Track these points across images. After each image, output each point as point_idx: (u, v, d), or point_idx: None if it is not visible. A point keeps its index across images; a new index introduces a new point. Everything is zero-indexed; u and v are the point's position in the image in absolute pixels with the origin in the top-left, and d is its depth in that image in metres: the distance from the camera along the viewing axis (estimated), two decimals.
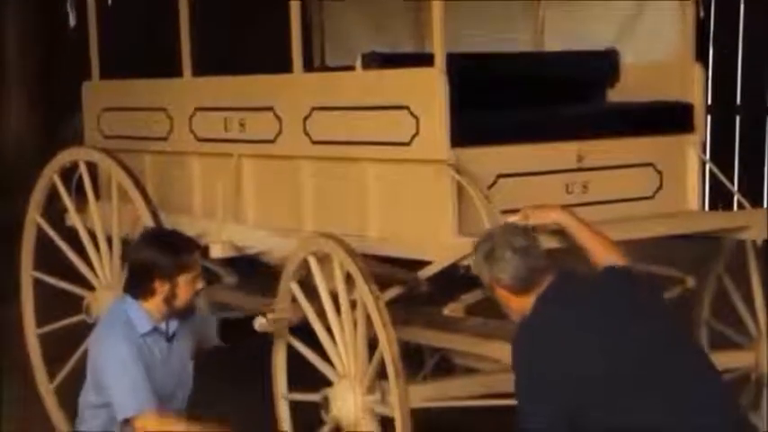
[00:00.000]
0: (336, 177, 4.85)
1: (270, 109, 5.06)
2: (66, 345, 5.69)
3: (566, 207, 4.37)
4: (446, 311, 4.94)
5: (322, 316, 4.65)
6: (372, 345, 4.37)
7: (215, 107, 5.35)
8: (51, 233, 5.79)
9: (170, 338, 4.59)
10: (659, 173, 4.93)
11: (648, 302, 3.92)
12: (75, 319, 5.67)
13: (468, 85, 4.41)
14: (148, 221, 5.26)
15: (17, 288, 6.07)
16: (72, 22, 10.16)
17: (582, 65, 5.26)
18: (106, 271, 5.53)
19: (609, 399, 3.66)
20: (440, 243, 4.44)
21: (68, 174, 5.77)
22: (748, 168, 9.87)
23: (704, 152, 5.12)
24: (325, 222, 4.88)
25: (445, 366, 5.16)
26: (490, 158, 4.51)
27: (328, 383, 4.60)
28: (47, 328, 5.99)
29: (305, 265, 4.70)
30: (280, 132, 5.04)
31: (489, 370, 4.59)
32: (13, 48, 9.91)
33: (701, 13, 8.01)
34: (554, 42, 5.61)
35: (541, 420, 3.68)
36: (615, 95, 5.27)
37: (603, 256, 4.09)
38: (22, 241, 5.98)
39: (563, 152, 4.68)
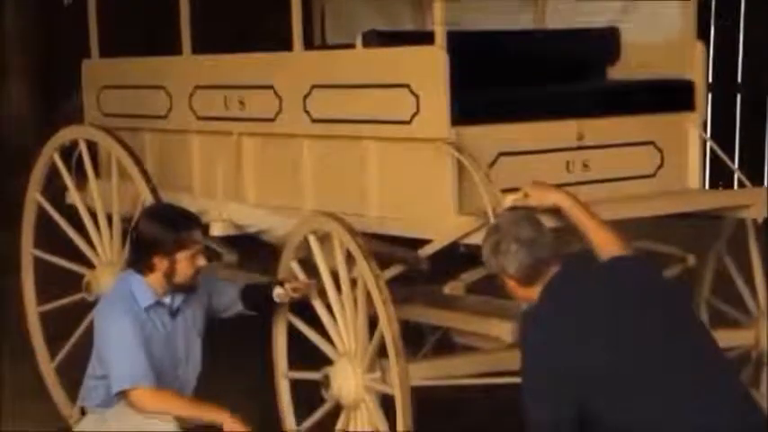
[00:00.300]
0: (336, 156, 4.85)
1: (270, 87, 5.04)
2: (67, 323, 5.70)
3: (566, 190, 4.35)
4: (446, 290, 4.95)
5: (322, 294, 4.66)
6: (373, 323, 4.37)
7: (215, 85, 5.34)
8: (51, 211, 5.79)
9: (174, 313, 4.61)
10: (660, 151, 4.92)
11: (656, 295, 3.87)
12: (76, 297, 5.67)
13: (469, 63, 4.39)
14: (148, 200, 5.26)
15: (18, 266, 6.08)
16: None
17: (583, 43, 5.24)
18: (106, 249, 5.54)
19: (609, 396, 3.62)
20: (440, 221, 4.44)
21: (68, 152, 5.77)
22: (749, 147, 9.86)
23: (705, 130, 5.11)
24: (325, 201, 4.87)
25: (445, 345, 5.17)
26: (491, 137, 4.50)
27: (329, 362, 4.60)
28: (48, 306, 6.00)
29: (305, 243, 4.71)
30: (280, 111, 5.03)
31: (489, 348, 4.60)
32: (12, 26, 9.88)
33: None
34: (555, 20, 5.59)
35: (547, 409, 3.67)
36: (616, 73, 5.25)
37: (604, 243, 4.05)
38: (23, 220, 5.99)
39: (563, 130, 4.67)
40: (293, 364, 4.94)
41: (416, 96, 4.44)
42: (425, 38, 4.47)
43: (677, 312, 3.86)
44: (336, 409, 4.62)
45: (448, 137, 4.38)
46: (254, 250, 5.39)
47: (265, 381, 4.97)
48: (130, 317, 4.47)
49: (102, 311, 4.62)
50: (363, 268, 4.35)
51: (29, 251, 6.03)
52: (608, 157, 4.76)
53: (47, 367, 5.99)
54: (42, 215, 5.89)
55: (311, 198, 4.97)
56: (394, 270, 4.56)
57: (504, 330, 4.40)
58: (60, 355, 5.85)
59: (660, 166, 4.92)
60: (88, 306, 5.44)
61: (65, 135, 5.78)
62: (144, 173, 5.37)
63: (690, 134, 4.99)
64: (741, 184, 5.03)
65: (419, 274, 4.65)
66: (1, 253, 7.08)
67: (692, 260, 5.17)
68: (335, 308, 4.59)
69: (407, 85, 4.46)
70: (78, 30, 6.05)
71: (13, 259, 6.15)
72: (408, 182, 4.57)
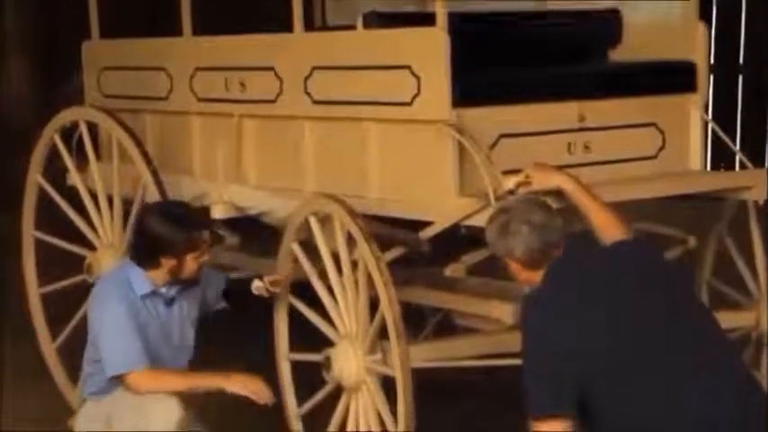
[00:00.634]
0: (337, 137, 4.84)
1: (270, 69, 5.03)
2: (68, 305, 5.71)
3: (568, 171, 4.34)
4: (447, 272, 4.95)
5: (323, 276, 4.66)
6: (374, 305, 4.37)
7: (215, 67, 5.33)
8: (52, 193, 5.79)
9: (169, 302, 4.59)
10: (661, 132, 4.92)
11: (657, 278, 3.85)
12: (77, 279, 5.68)
13: (470, 44, 4.38)
14: (149, 181, 5.26)
15: (19, 248, 6.08)
16: None
17: (584, 24, 5.23)
18: (107, 231, 5.53)
19: (610, 379, 3.61)
20: (441, 203, 4.43)
21: (69, 134, 5.76)
22: (751, 128, 9.86)
23: (707, 112, 5.11)
24: (326, 182, 4.87)
25: (446, 327, 5.17)
26: (492, 118, 4.49)
27: (330, 344, 4.61)
28: (49, 288, 6.00)
29: (306, 225, 4.70)
30: (280, 92, 5.02)
31: (490, 330, 4.60)
32: (12, 7, 9.86)
33: None
34: (557, 1, 5.57)
35: (548, 391, 3.66)
36: (618, 55, 5.24)
37: (606, 226, 4.04)
38: (23, 202, 5.99)
39: (565, 112, 4.66)
40: (294, 345, 4.94)
41: (417, 78, 4.43)
42: (426, 19, 4.46)
43: (678, 295, 3.85)
44: (337, 391, 4.62)
45: (449, 118, 4.37)
46: (256, 232, 5.39)
47: (267, 362, 4.97)
48: (125, 303, 4.45)
49: (97, 297, 4.60)
50: (364, 250, 4.34)
51: (30, 233, 6.02)
52: (609, 138, 4.76)
53: (48, 348, 5.99)
54: (43, 197, 5.89)
55: (312, 180, 4.97)
56: (395, 252, 4.56)
57: (505, 312, 4.40)
58: (61, 337, 5.86)
59: (662, 148, 4.92)
60: (89, 288, 5.42)
61: (65, 116, 5.77)
62: (144, 154, 5.36)
63: (691, 116, 4.98)
64: (742, 166, 5.02)
65: (420, 255, 4.65)
66: (2, 235, 7.08)
67: (692, 242, 5.17)
68: (336, 290, 4.59)
69: (408, 67, 4.45)
70: (79, 11, 6.04)
71: (14, 241, 6.15)
72: (409, 163, 4.56)
